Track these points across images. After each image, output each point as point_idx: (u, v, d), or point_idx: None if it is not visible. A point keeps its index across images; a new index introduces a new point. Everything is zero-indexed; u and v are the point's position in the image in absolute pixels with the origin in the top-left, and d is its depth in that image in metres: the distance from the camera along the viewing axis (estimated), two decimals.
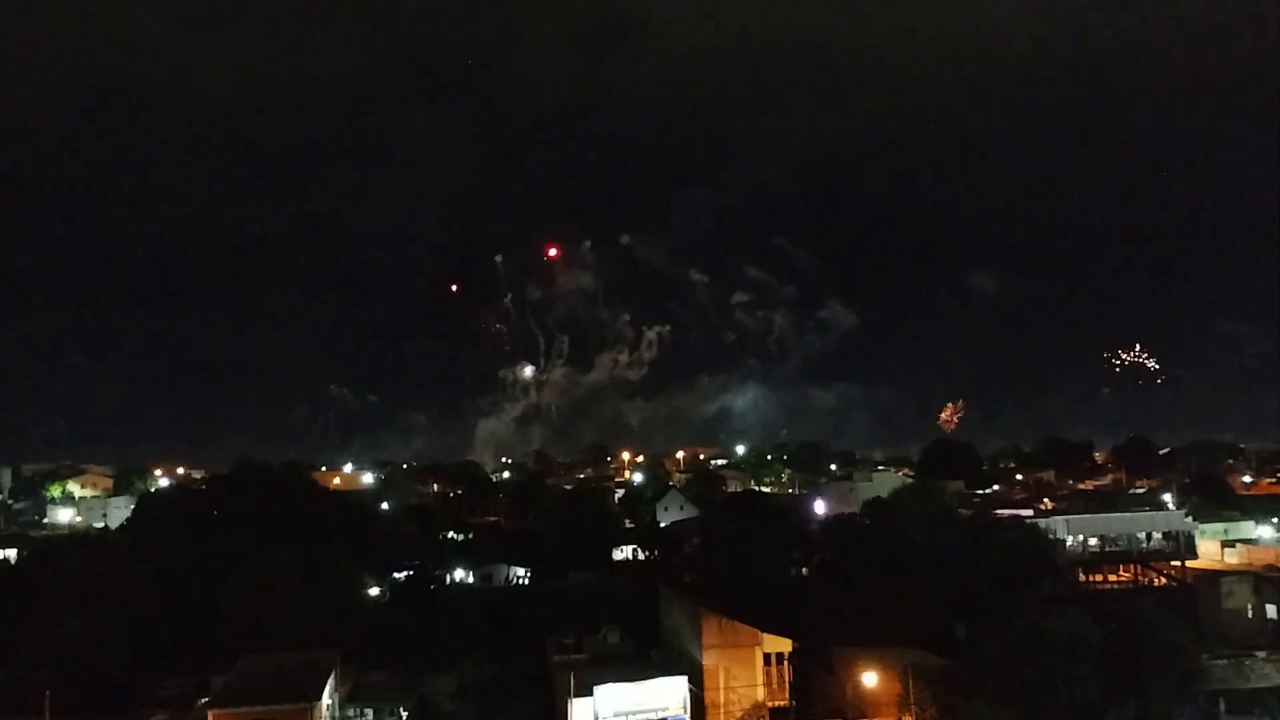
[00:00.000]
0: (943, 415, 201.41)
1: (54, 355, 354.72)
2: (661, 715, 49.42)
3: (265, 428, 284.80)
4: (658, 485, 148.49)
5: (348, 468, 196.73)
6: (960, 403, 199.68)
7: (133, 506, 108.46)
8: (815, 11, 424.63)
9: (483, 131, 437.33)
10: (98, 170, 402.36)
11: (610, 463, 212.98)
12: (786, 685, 53.77)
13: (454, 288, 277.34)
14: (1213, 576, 72.01)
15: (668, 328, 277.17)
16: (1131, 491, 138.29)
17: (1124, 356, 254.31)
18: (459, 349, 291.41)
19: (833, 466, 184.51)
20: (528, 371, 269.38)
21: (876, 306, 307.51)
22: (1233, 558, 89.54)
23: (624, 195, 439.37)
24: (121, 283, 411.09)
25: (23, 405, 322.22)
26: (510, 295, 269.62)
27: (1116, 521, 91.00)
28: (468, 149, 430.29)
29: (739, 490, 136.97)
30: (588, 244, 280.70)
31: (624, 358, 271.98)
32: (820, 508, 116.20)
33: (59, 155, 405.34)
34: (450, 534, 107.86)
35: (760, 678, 52.90)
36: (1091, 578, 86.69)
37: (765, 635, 53.48)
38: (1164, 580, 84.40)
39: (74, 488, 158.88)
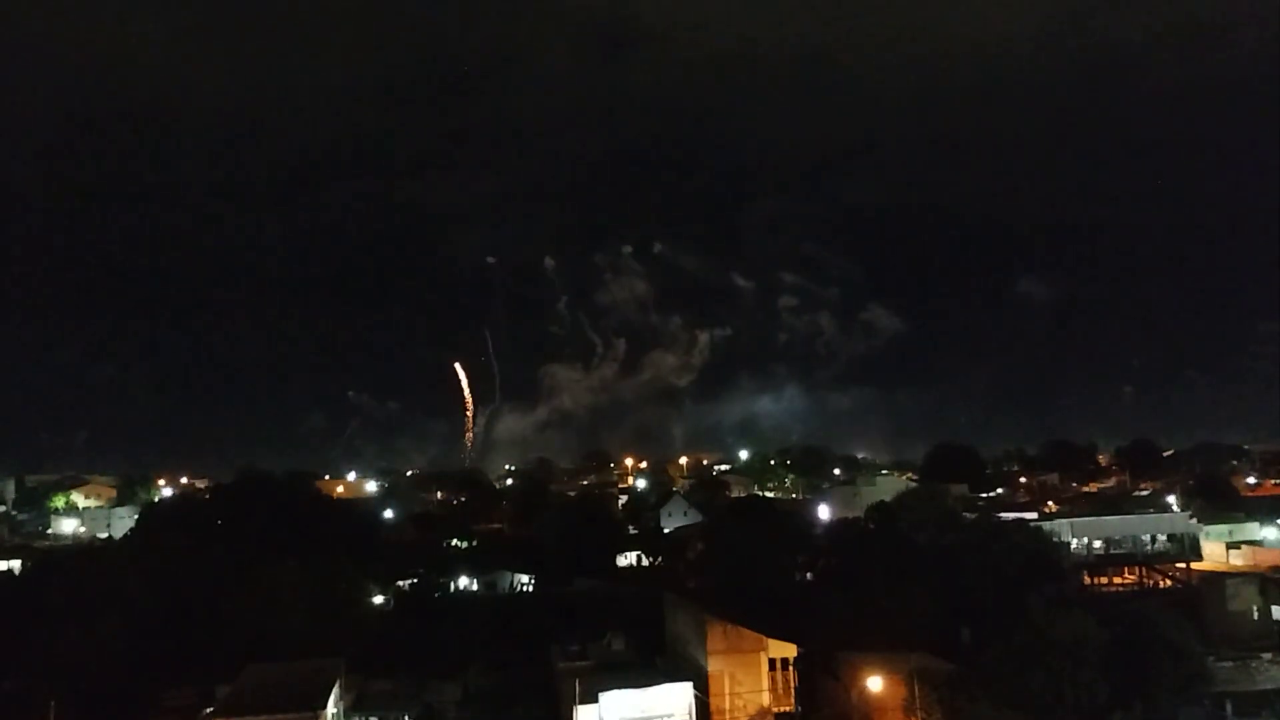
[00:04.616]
0: None
1: (60, 365, 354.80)
2: None
3: (274, 436, 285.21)
4: (661, 491, 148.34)
5: (351, 475, 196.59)
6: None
7: (136, 517, 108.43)
8: (818, 18, 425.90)
9: (489, 137, 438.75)
10: (109, 181, 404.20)
11: (613, 469, 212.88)
12: (792, 690, 53.73)
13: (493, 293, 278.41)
14: (1218, 578, 71.85)
15: (707, 333, 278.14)
16: (1136, 494, 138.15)
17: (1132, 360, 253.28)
18: (481, 355, 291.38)
19: (836, 471, 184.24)
20: (561, 376, 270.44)
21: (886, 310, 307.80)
22: (1238, 559, 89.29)
23: (630, 199, 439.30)
24: (129, 291, 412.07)
25: (27, 415, 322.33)
26: (565, 299, 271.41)
27: (1121, 524, 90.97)
28: (474, 155, 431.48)
29: (742, 495, 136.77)
30: (628, 249, 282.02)
31: (671, 361, 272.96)
32: (824, 512, 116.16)
33: (69, 169, 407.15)
34: (454, 541, 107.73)
35: (765, 683, 52.81)
36: (1096, 580, 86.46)
37: (770, 640, 53.38)
38: (1169, 582, 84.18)
39: (78, 498, 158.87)
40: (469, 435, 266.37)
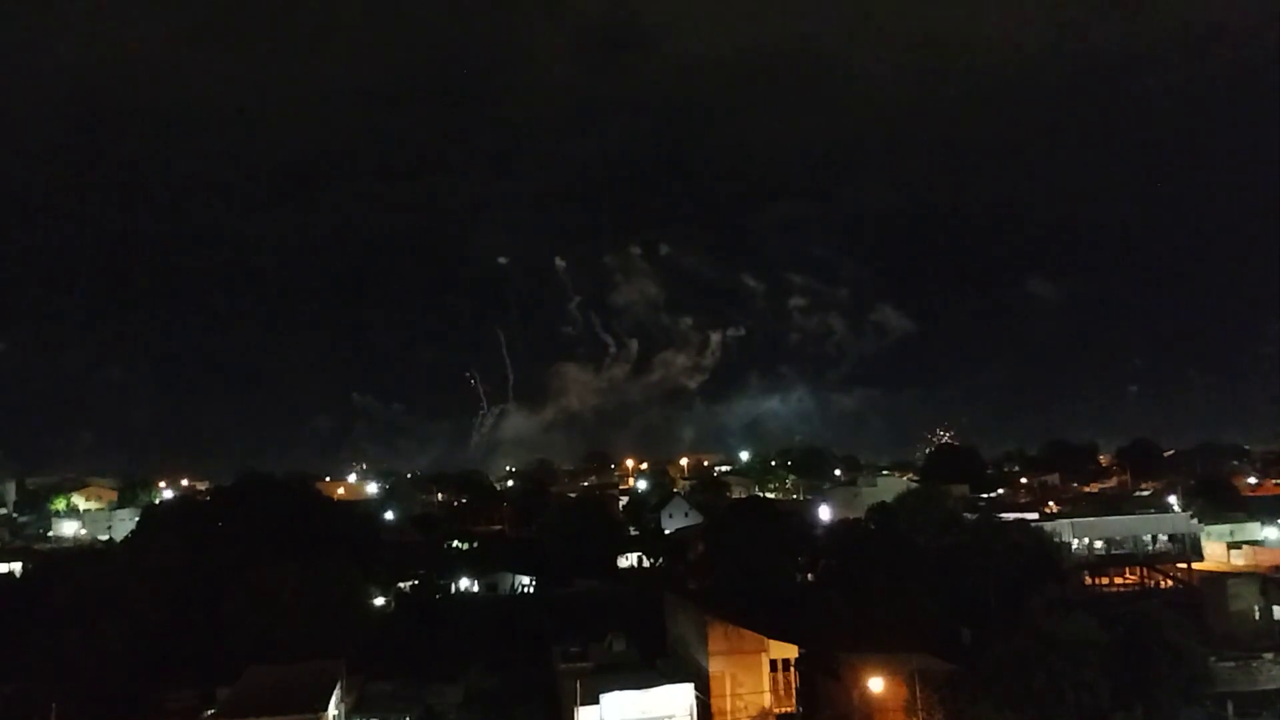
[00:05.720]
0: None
1: (62, 367, 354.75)
2: None
3: (277, 439, 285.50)
4: (662, 492, 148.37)
5: (351, 478, 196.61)
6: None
7: (137, 519, 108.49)
8: (822, 21, 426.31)
9: (493, 138, 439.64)
10: (111, 183, 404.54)
11: (614, 470, 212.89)
12: (793, 691, 53.76)
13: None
14: (1219, 578, 71.79)
15: (717, 334, 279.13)
16: (1137, 494, 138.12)
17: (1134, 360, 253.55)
18: (482, 356, 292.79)
19: (837, 471, 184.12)
20: (568, 376, 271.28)
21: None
22: (1239, 559, 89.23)
23: (638, 200, 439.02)
24: (132, 293, 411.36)
25: (29, 417, 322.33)
26: (576, 300, 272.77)
27: (1122, 524, 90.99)
28: (478, 156, 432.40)
29: (743, 496, 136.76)
30: (637, 250, 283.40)
31: (679, 361, 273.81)
32: (825, 513, 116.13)
33: (72, 170, 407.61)
34: (455, 543, 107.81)
35: (766, 684, 52.82)
36: (1097, 581, 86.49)
37: (771, 641, 53.39)
38: (1170, 583, 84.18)
39: (78, 500, 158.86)
40: (476, 436, 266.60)
